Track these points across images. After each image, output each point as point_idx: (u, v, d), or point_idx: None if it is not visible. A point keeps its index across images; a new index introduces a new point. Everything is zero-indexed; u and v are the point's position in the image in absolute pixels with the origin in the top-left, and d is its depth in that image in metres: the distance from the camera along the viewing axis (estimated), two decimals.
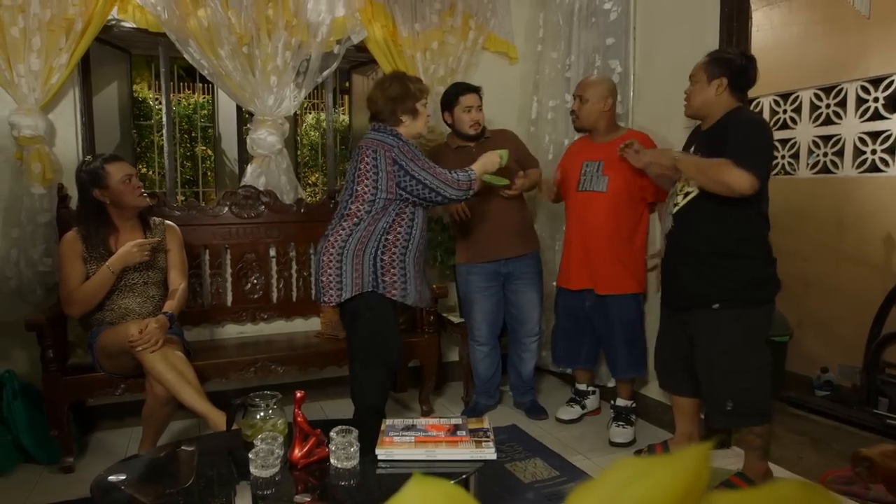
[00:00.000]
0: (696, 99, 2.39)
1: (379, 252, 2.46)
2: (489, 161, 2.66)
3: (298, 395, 1.90)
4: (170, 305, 2.70)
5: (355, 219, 2.48)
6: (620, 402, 3.06)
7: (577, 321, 3.10)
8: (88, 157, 2.73)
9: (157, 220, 2.84)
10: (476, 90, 3.13)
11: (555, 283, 3.22)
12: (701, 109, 2.40)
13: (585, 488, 0.35)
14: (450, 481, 0.38)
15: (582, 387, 3.28)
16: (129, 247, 2.57)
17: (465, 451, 1.86)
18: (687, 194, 2.39)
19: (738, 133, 2.24)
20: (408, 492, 0.37)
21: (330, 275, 2.48)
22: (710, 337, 2.35)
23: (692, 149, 2.45)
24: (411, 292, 2.53)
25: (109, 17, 3.01)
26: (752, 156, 2.18)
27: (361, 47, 3.52)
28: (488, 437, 1.93)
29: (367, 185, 2.45)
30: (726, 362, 2.32)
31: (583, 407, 3.26)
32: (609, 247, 2.92)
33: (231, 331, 3.38)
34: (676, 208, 2.41)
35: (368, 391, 2.56)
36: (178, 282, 2.80)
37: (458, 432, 1.95)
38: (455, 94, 3.12)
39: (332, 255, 2.48)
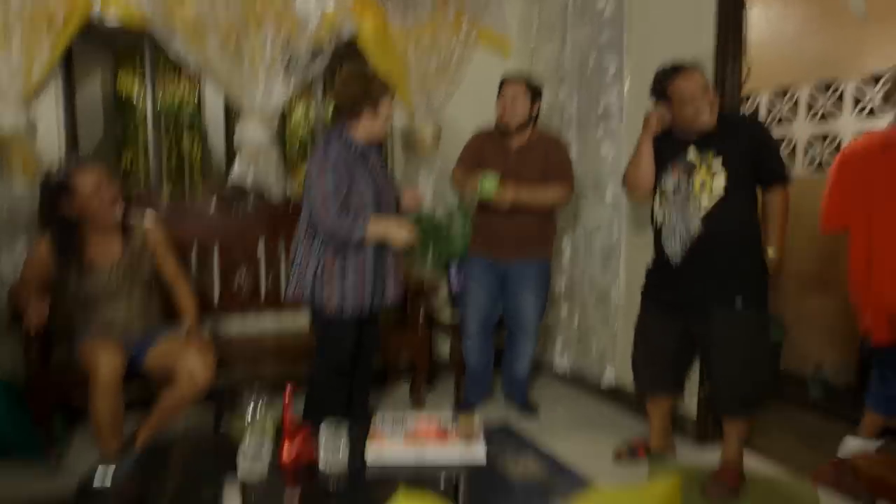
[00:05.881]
0: (715, 107, 2.40)
1: (319, 268, 2.46)
2: (393, 233, 2.45)
3: (289, 389, 1.87)
4: (190, 317, 2.67)
5: (303, 224, 2.52)
6: None
7: None
8: (55, 168, 2.56)
9: (136, 221, 2.67)
10: (517, 79, 2.96)
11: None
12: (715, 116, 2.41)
13: None
14: (434, 493, 0.35)
15: None
16: None
17: (455, 451, 1.85)
18: (712, 194, 2.35)
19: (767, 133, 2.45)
20: None
21: (292, 269, 2.58)
22: (736, 333, 2.39)
23: (702, 151, 2.40)
24: (349, 305, 2.48)
25: (93, 11, 2.94)
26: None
27: (352, 41, 3.47)
28: (478, 435, 1.91)
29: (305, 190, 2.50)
30: (751, 354, 2.41)
31: None
32: None
33: (219, 327, 3.32)
34: (703, 210, 2.36)
35: (310, 396, 2.59)
36: (177, 281, 2.72)
37: (448, 430, 1.93)
38: (501, 83, 3.00)
39: (292, 251, 2.59)
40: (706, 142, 2.39)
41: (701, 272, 2.39)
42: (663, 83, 2.43)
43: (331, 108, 3.59)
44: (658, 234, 2.52)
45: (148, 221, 2.69)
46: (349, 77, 2.52)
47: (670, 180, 2.45)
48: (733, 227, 2.35)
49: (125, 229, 2.62)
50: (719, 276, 2.37)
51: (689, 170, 2.40)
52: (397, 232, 2.45)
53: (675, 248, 2.44)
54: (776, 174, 2.37)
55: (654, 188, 2.51)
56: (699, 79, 2.36)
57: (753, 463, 2.69)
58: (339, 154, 2.41)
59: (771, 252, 2.37)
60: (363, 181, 2.46)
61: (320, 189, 2.37)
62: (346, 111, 2.48)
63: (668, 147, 2.48)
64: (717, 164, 2.35)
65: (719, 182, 2.34)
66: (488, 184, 2.76)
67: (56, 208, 2.48)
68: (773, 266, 2.39)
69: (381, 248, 2.53)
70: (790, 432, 3.05)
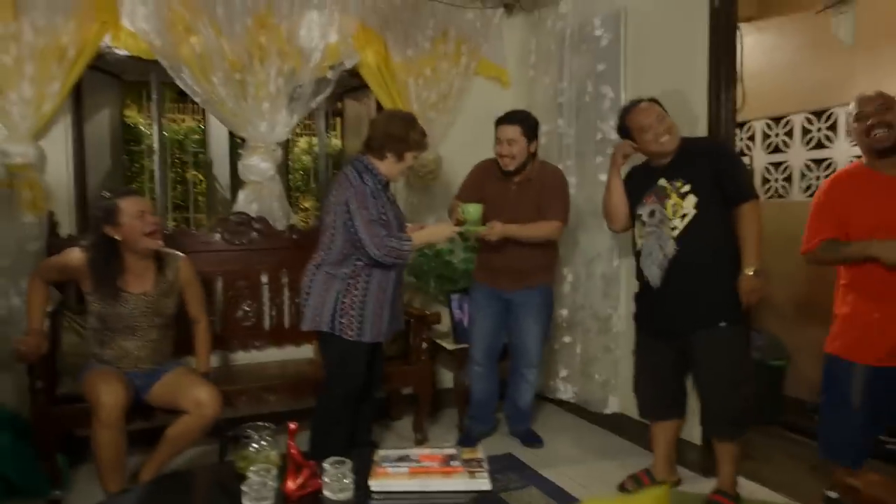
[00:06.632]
0: (675, 133, 2.53)
1: (340, 295, 2.51)
2: (436, 233, 2.68)
3: (292, 427, 1.88)
4: (203, 360, 2.79)
5: (325, 252, 2.55)
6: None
7: None
8: (105, 192, 2.65)
9: (171, 257, 2.70)
10: (511, 120, 2.98)
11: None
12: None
13: None
14: None
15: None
16: None
17: (459, 482, 1.85)
18: (684, 216, 2.47)
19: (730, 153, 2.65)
20: None
21: (303, 300, 2.60)
22: (721, 354, 2.46)
23: (671, 180, 2.52)
24: (367, 331, 2.55)
25: (102, 44, 3.01)
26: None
27: (354, 73, 3.53)
28: (482, 467, 1.91)
29: (330, 217, 2.52)
30: (736, 375, 2.46)
31: None
32: None
33: (222, 359, 3.33)
34: (676, 232, 2.47)
35: (316, 428, 2.61)
36: (198, 316, 2.79)
37: (452, 462, 1.93)
38: (496, 124, 3.04)
39: (304, 283, 2.60)
40: (673, 169, 2.53)
41: (681, 293, 2.48)
42: (623, 119, 2.62)
43: (335, 139, 3.63)
44: (638, 259, 2.63)
45: (182, 258, 2.73)
46: (395, 118, 2.62)
47: (646, 209, 2.57)
48: (707, 246, 2.45)
49: (160, 263, 2.65)
50: (698, 297, 2.46)
51: (661, 196, 2.53)
52: (440, 232, 2.68)
53: (653, 270, 2.53)
54: (742, 192, 2.45)
55: (634, 219, 2.64)
56: (654, 109, 2.54)
57: (757, 492, 2.68)
58: (374, 185, 2.52)
59: (748, 270, 2.38)
60: (389, 212, 2.57)
61: (365, 217, 2.44)
62: (376, 147, 2.54)
63: (640, 181, 2.63)
64: (686, 188, 2.47)
65: (690, 203, 2.46)
66: (472, 210, 2.80)
67: (101, 229, 2.51)
68: (752, 283, 2.37)
69: (398, 277, 2.63)
70: (793, 461, 3.04)
